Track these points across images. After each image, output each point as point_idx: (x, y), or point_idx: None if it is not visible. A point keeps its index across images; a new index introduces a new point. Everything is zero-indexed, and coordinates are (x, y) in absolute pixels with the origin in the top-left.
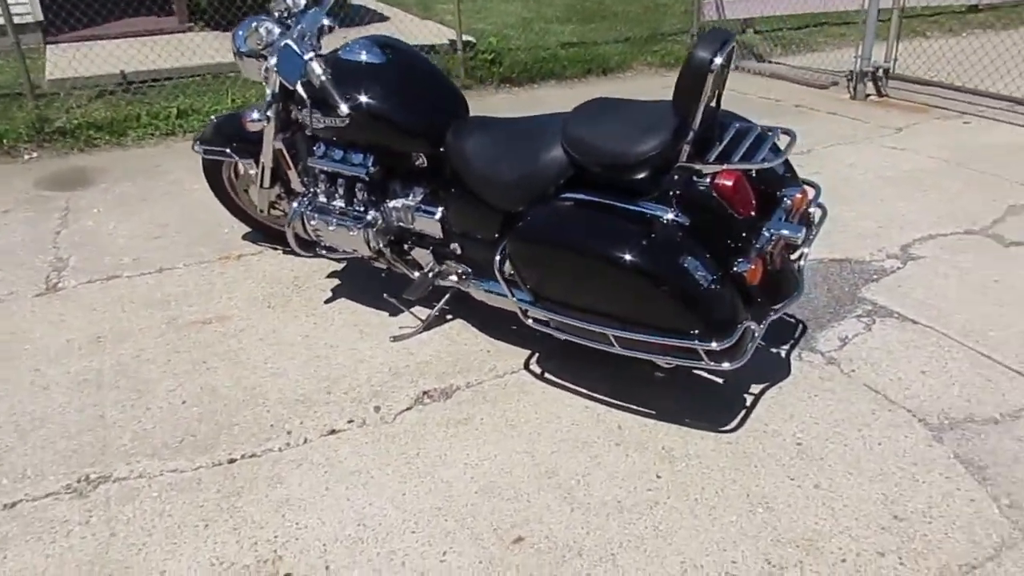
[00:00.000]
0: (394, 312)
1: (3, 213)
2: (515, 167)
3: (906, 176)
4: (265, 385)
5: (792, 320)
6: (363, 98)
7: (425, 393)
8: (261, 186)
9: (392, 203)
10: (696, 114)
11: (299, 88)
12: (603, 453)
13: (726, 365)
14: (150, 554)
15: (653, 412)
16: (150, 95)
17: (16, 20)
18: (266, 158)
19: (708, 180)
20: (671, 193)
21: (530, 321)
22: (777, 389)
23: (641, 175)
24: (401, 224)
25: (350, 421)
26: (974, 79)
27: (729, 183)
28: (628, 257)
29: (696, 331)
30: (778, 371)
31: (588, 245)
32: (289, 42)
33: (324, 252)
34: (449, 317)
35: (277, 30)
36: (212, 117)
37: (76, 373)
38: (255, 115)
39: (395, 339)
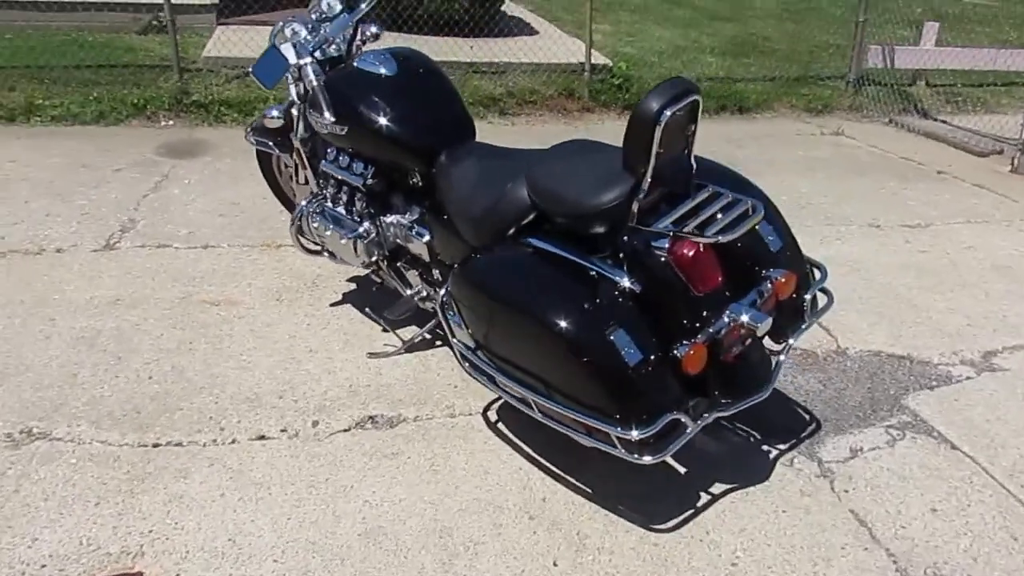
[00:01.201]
0: (396, 327)
1: (115, 171)
2: (483, 201)
3: None
4: (228, 376)
5: (806, 416)
6: (358, 109)
7: (371, 418)
8: (296, 182)
9: (389, 218)
10: (644, 171)
11: (292, 91)
12: (511, 523)
13: (647, 459)
14: (35, 518)
15: (589, 491)
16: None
17: (194, 0)
18: (295, 156)
19: (667, 246)
20: (621, 255)
21: (466, 366)
22: (743, 494)
23: (595, 230)
24: (398, 241)
25: (283, 430)
26: None
27: (689, 253)
28: (552, 318)
29: (616, 415)
30: (757, 472)
31: (517, 297)
32: (278, 45)
33: (327, 256)
34: (438, 344)
35: (304, 32)
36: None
37: (80, 330)
38: (274, 112)
39: (371, 355)
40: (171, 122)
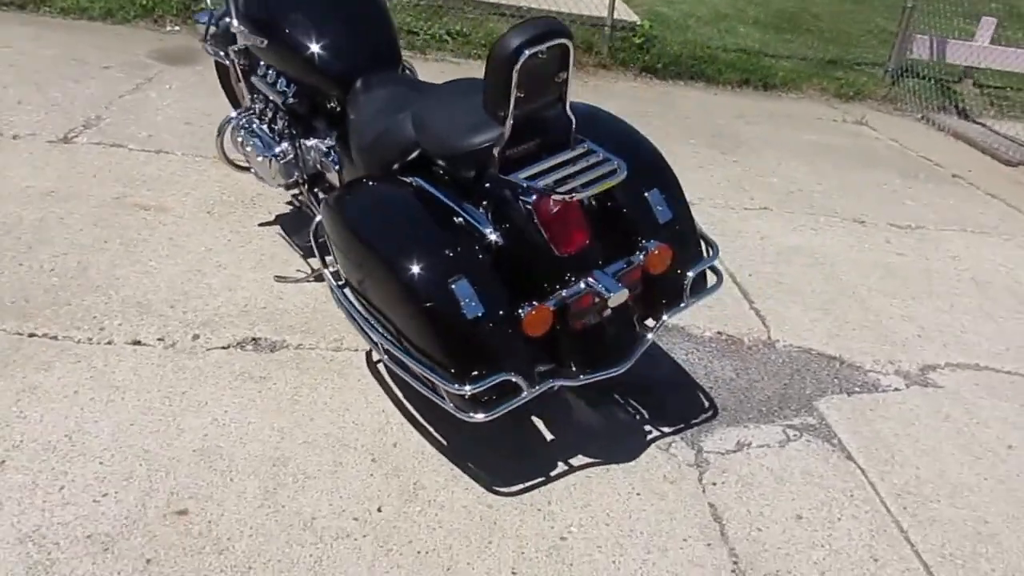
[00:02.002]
0: (310, 254)
1: (102, 69)
2: (374, 132)
3: (1014, 289)
4: (129, 279)
5: (705, 402)
6: (279, 22)
7: (253, 339)
8: (244, 95)
9: (309, 141)
10: (505, 116)
11: None
12: (351, 463)
13: (479, 416)
14: None
15: (444, 444)
16: None
17: None
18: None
19: (533, 199)
20: (485, 203)
21: (334, 298)
22: (603, 470)
23: (464, 174)
24: (317, 166)
25: (160, 339)
26: None
27: (553, 209)
28: (399, 258)
29: (450, 368)
30: (627, 451)
31: (373, 233)
32: None
33: (253, 174)
34: None
35: None
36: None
37: (3, 216)
38: (204, 19)
39: (279, 279)
40: (177, 28)
